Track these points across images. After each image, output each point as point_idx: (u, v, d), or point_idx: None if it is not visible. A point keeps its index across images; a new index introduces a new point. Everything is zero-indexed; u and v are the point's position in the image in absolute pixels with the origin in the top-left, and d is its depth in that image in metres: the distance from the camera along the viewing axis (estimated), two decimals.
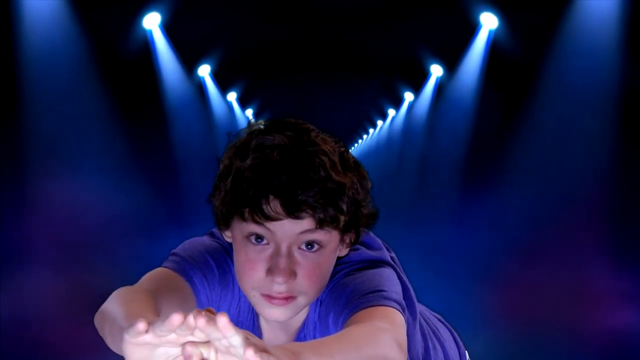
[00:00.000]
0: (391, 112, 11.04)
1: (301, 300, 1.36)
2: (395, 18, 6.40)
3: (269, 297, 1.34)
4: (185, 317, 0.85)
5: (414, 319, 1.51)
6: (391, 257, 1.52)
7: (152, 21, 6.47)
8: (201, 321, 0.84)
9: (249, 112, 10.28)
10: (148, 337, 0.90)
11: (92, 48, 5.57)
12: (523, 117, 6.34)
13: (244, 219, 1.31)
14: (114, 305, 1.20)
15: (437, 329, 1.77)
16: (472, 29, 6.68)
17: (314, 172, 1.29)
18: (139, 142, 6.37)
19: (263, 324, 1.49)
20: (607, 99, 5.48)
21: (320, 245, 1.34)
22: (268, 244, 1.33)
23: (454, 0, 6.06)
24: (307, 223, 1.31)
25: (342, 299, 1.36)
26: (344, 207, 1.32)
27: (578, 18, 5.60)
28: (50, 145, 5.44)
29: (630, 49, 5.31)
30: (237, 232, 1.36)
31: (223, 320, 0.83)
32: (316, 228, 1.32)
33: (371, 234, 1.52)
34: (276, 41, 7.09)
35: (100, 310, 1.24)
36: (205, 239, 1.50)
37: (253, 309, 1.45)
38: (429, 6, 6.00)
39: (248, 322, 1.48)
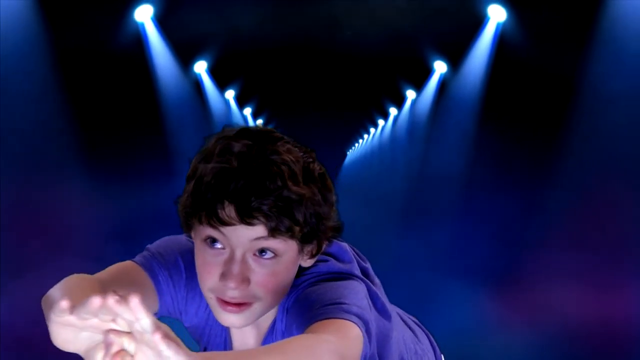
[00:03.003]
0: (393, 111, 10.95)
1: (257, 307, 1.37)
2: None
3: (224, 303, 1.36)
4: (104, 300, 0.84)
5: (390, 329, 1.51)
6: (365, 268, 1.53)
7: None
8: (112, 300, 0.83)
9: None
10: (72, 319, 0.90)
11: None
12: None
13: (201, 223, 1.33)
14: (57, 290, 1.20)
15: (414, 334, 1.77)
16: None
17: (270, 181, 1.29)
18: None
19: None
20: None
21: (275, 254, 1.35)
22: (224, 248, 1.35)
23: None
24: (260, 230, 1.32)
25: (304, 309, 1.35)
26: (300, 217, 1.32)
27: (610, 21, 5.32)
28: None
29: None
30: (197, 235, 1.37)
31: (135, 300, 0.82)
32: (269, 236, 1.32)
33: (343, 245, 1.52)
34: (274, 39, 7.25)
35: (45, 295, 1.24)
36: (183, 239, 1.50)
37: None
38: None
39: (217, 324, 1.48)
